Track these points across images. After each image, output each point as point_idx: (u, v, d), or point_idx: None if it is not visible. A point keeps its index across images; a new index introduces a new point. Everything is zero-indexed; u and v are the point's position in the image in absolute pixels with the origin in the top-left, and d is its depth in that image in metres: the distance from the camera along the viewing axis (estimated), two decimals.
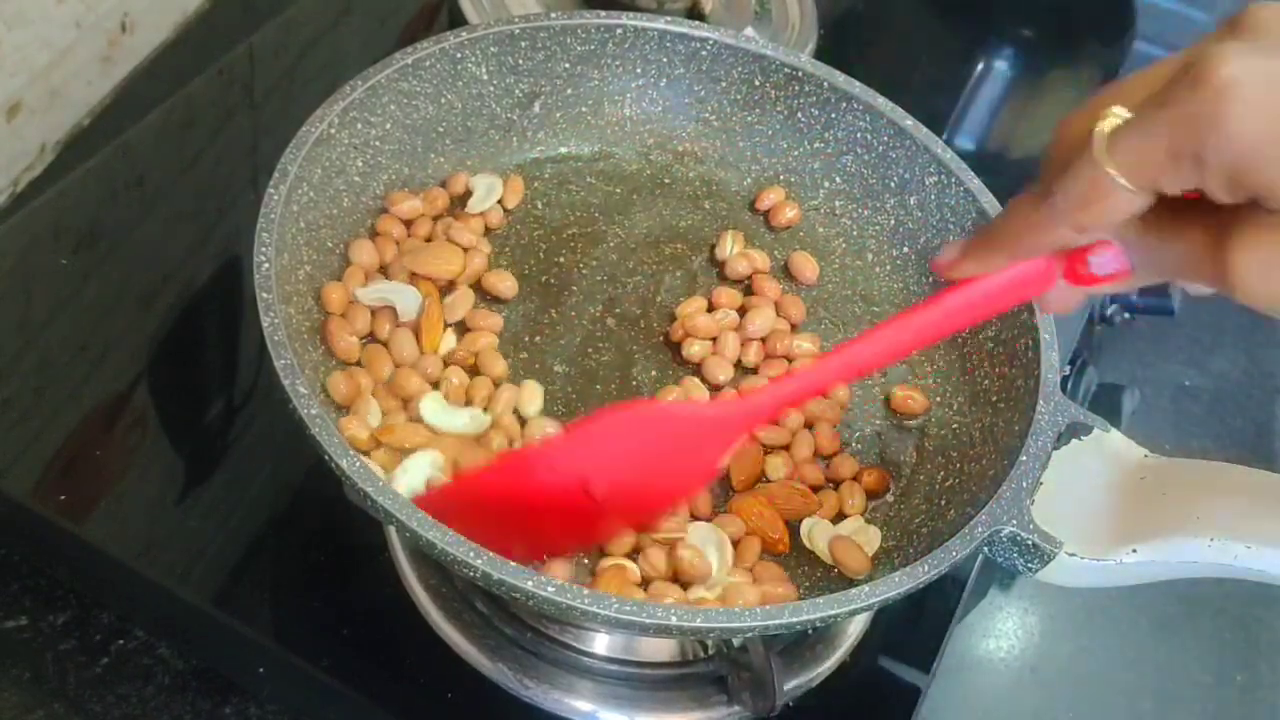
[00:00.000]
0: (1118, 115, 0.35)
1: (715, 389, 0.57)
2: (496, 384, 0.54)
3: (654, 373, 0.57)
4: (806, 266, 0.61)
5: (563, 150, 0.63)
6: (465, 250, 0.57)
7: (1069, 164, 0.36)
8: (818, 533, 0.52)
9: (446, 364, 0.54)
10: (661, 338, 0.58)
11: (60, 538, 0.55)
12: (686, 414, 0.49)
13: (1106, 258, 0.39)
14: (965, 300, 0.42)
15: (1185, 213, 0.36)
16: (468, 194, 0.59)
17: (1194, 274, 0.36)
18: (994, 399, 0.55)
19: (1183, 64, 0.33)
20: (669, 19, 0.62)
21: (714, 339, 0.58)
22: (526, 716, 0.52)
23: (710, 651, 0.54)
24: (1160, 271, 0.38)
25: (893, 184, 0.61)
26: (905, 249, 0.61)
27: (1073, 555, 0.47)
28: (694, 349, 0.57)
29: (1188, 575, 0.46)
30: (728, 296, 0.59)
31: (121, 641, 0.55)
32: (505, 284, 0.57)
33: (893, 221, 0.62)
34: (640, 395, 0.56)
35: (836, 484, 0.55)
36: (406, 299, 0.54)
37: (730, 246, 0.61)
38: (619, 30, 0.61)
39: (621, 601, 0.42)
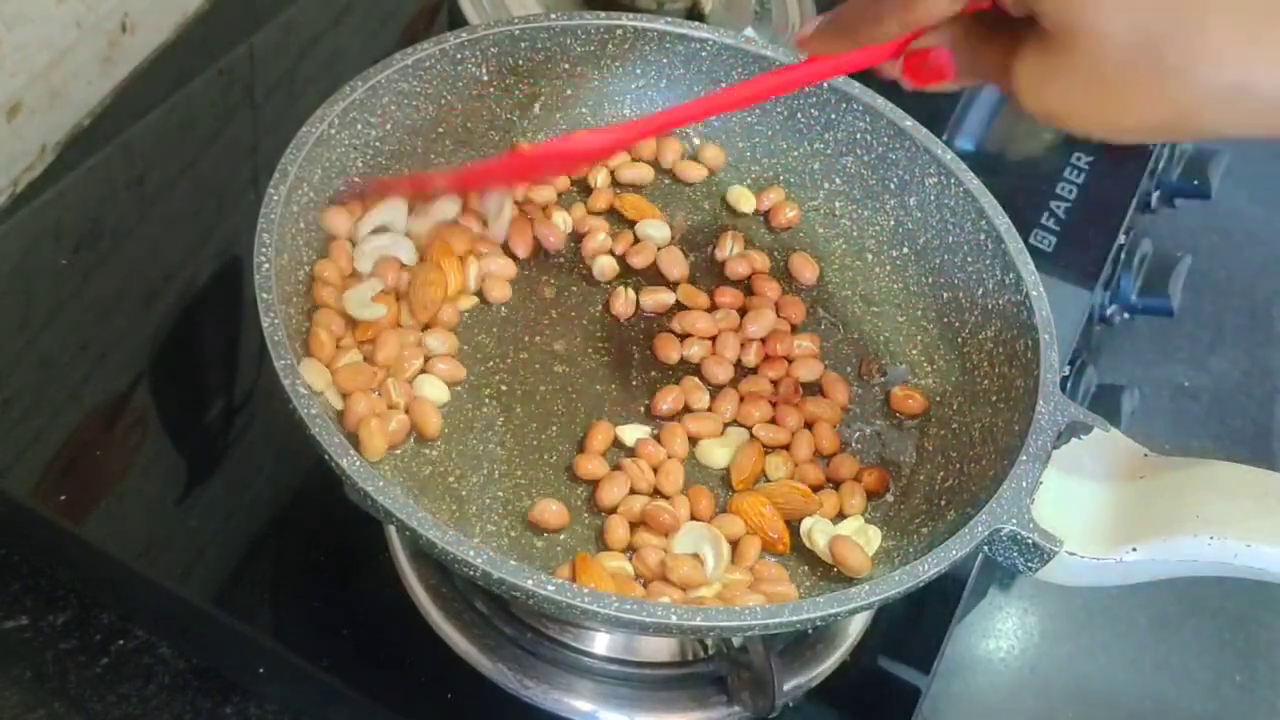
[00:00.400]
0: None
1: (715, 388, 0.57)
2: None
3: (653, 373, 0.57)
4: (806, 267, 0.61)
5: None
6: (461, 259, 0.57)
7: None
8: (818, 532, 0.52)
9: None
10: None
11: (60, 538, 0.55)
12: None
13: (938, 59, 0.44)
14: (818, 69, 0.48)
15: (996, 26, 0.40)
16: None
17: (996, 80, 0.41)
18: (994, 399, 0.55)
19: None
20: (669, 20, 0.62)
21: (713, 339, 0.58)
22: (526, 716, 0.52)
23: (710, 651, 0.54)
24: (975, 75, 0.43)
25: (893, 184, 0.61)
26: (905, 249, 0.61)
27: (1073, 555, 0.47)
28: (693, 349, 0.57)
29: (1188, 574, 0.46)
30: (730, 296, 0.59)
31: (122, 641, 0.55)
32: (499, 290, 0.57)
33: (893, 222, 0.62)
34: (639, 395, 0.56)
35: (837, 484, 0.55)
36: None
37: (730, 247, 0.61)
38: (619, 31, 0.61)
39: (621, 601, 0.42)
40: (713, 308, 0.59)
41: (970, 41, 0.42)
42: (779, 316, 0.59)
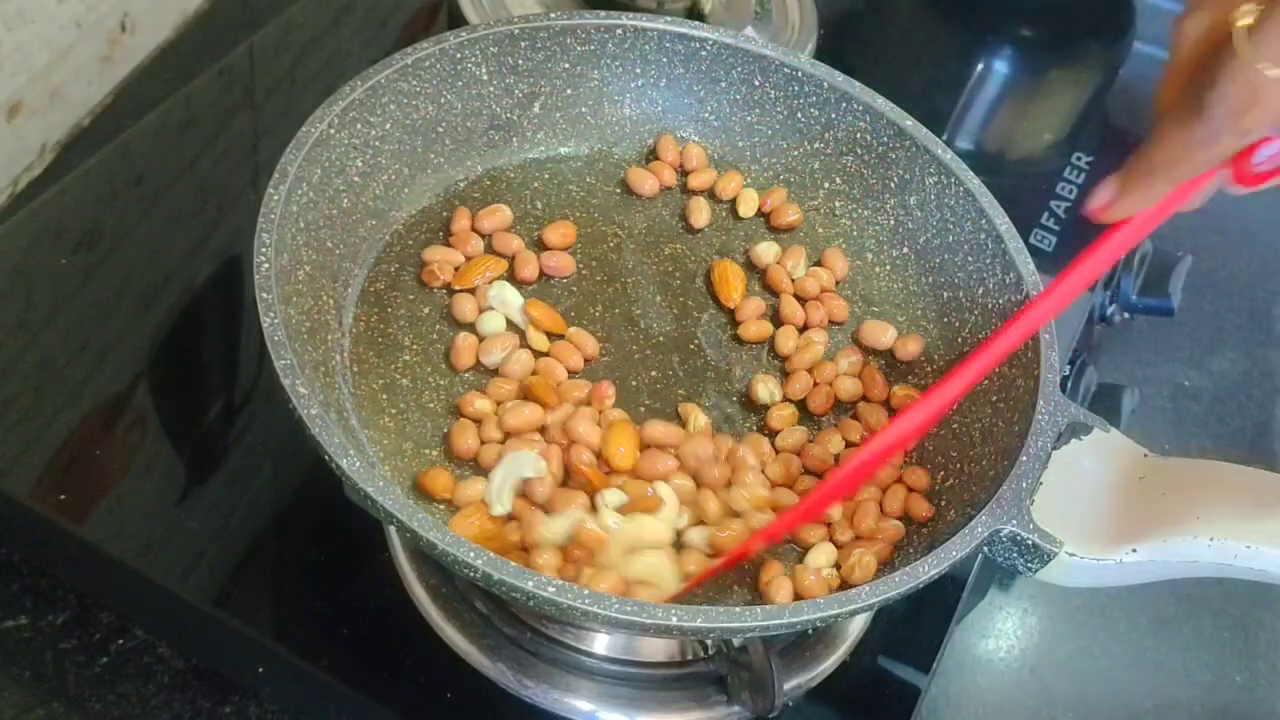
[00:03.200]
0: (1249, 11, 0.34)
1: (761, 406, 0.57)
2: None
3: (653, 373, 0.57)
4: (837, 262, 0.62)
5: (563, 150, 0.63)
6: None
7: (1210, 73, 0.35)
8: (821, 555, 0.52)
9: None
10: (659, 339, 0.58)
11: (60, 538, 0.55)
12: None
13: (1271, 152, 0.38)
14: (1120, 240, 0.42)
15: None
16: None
17: None
18: (994, 399, 0.55)
19: None
20: (669, 19, 0.62)
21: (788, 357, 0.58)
22: (526, 716, 0.52)
23: (710, 651, 0.54)
24: None
25: (893, 184, 0.61)
26: (905, 249, 0.61)
27: (1073, 555, 0.47)
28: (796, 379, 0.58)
29: (1188, 575, 0.46)
30: (814, 315, 0.60)
31: (121, 641, 0.55)
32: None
33: (893, 221, 0.62)
34: (639, 394, 0.56)
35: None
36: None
37: (803, 266, 0.61)
38: (619, 30, 0.61)
39: (622, 602, 0.42)
40: (782, 322, 0.60)
41: None
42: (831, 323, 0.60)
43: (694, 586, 0.49)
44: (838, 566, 0.51)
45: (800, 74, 0.61)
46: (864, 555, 0.51)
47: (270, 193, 0.50)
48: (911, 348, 0.59)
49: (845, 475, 0.50)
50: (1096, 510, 0.48)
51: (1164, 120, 0.38)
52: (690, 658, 0.55)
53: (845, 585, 0.51)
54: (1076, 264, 0.45)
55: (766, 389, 0.57)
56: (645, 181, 0.63)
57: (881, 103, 0.61)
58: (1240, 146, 0.38)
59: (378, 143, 0.57)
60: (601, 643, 0.54)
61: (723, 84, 0.63)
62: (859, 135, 0.62)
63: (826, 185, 0.63)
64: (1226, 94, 0.35)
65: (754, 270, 0.62)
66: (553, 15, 0.60)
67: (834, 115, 0.62)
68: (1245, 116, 0.35)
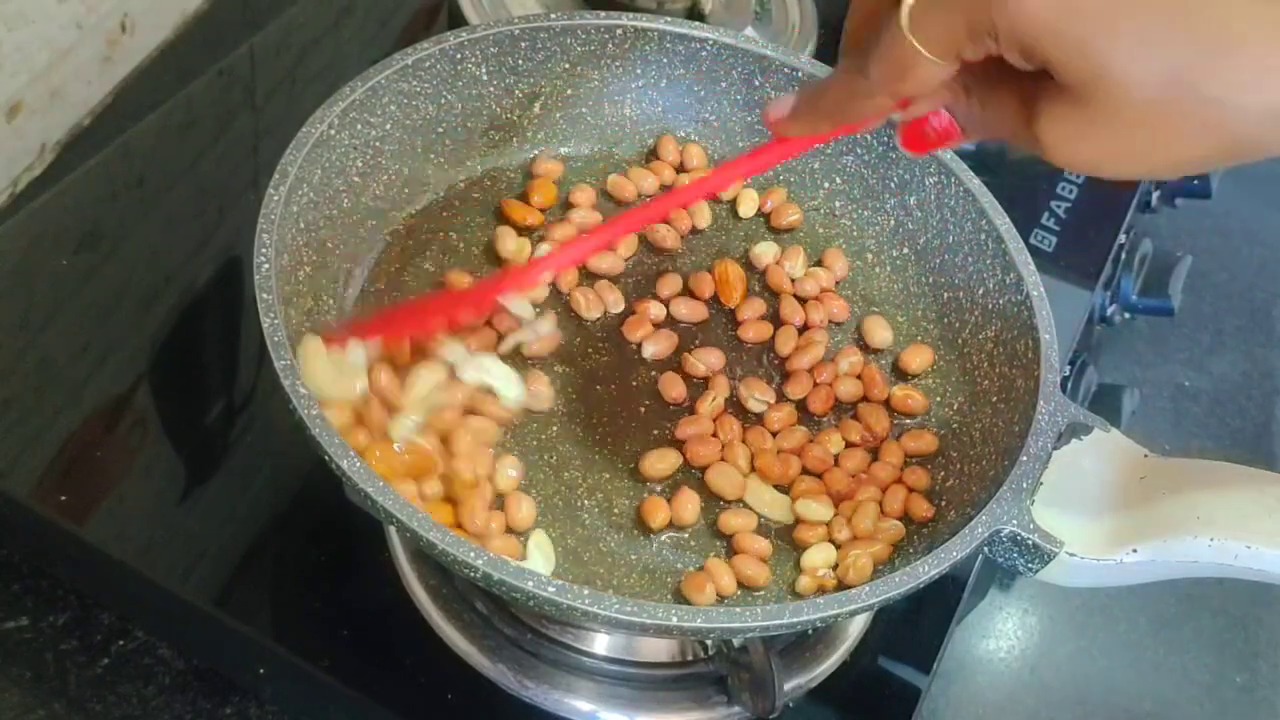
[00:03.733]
0: None
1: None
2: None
3: (653, 373, 0.57)
4: (837, 262, 0.62)
5: (563, 150, 0.63)
6: None
7: (876, 36, 0.37)
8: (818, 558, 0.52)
9: None
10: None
11: (60, 538, 0.55)
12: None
13: (939, 121, 0.41)
14: (787, 150, 0.46)
15: (1001, 78, 0.37)
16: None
17: (1013, 136, 0.38)
18: (994, 399, 0.55)
19: None
20: (669, 20, 0.62)
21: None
22: (526, 716, 0.52)
23: (710, 651, 0.54)
24: (985, 132, 0.40)
25: (893, 184, 0.61)
26: (905, 249, 0.61)
27: (1073, 555, 0.47)
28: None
29: (1188, 575, 0.46)
30: (814, 315, 0.60)
31: (122, 641, 0.55)
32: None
33: (893, 222, 0.62)
34: (638, 398, 0.56)
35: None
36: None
37: (802, 266, 0.61)
38: (619, 31, 0.61)
39: (622, 601, 0.42)
40: (783, 323, 0.60)
41: (974, 98, 0.39)
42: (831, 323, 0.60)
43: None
44: (834, 568, 0.51)
45: (800, 74, 0.61)
46: (860, 557, 0.51)
47: (270, 193, 0.50)
48: (919, 360, 0.58)
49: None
50: (1097, 510, 0.48)
51: (842, 60, 0.41)
52: (690, 658, 0.55)
53: (842, 586, 0.51)
54: (741, 160, 0.48)
55: (757, 401, 0.56)
56: (645, 181, 0.63)
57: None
58: (892, 106, 0.40)
59: (378, 143, 0.57)
60: (601, 643, 0.54)
61: (723, 84, 0.63)
62: (859, 135, 0.62)
63: (826, 185, 0.63)
64: (882, 58, 0.37)
65: (754, 270, 0.62)
66: (553, 15, 0.60)
67: None
68: (899, 83, 0.37)
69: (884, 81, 0.38)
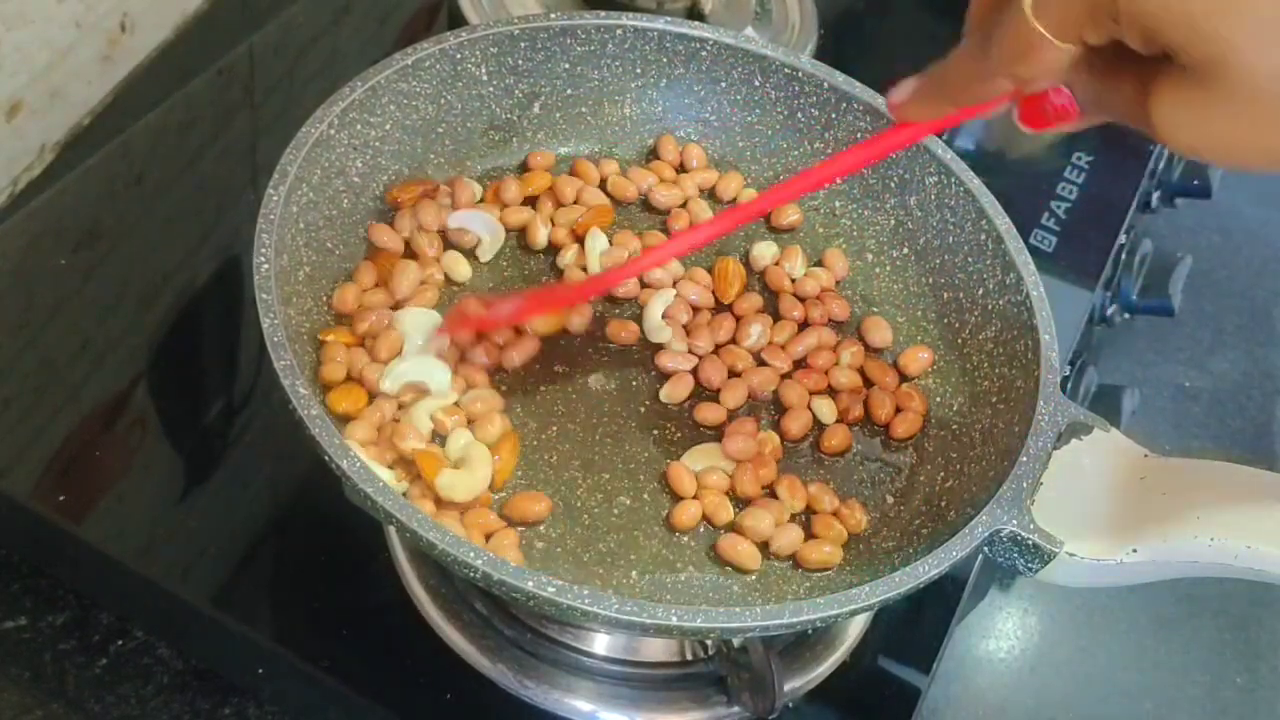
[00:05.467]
0: None
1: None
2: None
3: (653, 373, 0.57)
4: (837, 262, 0.62)
5: (563, 150, 0.63)
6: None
7: (999, 18, 0.37)
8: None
9: None
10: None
11: (60, 538, 0.55)
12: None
13: (1062, 101, 0.41)
14: (910, 135, 0.45)
15: (1122, 60, 0.37)
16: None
17: (1130, 118, 0.38)
18: (994, 399, 0.55)
19: None
20: (669, 19, 0.61)
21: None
22: (526, 716, 0.52)
23: (710, 651, 0.54)
24: (1105, 113, 0.40)
25: (893, 184, 0.61)
26: (905, 249, 0.61)
27: (1073, 555, 0.47)
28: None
29: (1188, 575, 0.46)
30: (814, 314, 0.60)
31: (121, 641, 0.55)
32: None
33: (893, 222, 0.62)
34: (638, 398, 0.56)
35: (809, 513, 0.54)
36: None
37: (801, 266, 0.61)
38: (619, 30, 0.61)
39: (622, 601, 0.42)
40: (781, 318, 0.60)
41: (1094, 79, 0.39)
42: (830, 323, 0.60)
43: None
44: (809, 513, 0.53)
45: (800, 74, 0.61)
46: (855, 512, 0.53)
47: (270, 193, 0.50)
48: (919, 362, 0.58)
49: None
50: (1097, 510, 0.48)
51: (965, 41, 0.40)
52: (690, 658, 0.55)
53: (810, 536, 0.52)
54: (859, 147, 0.48)
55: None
56: (644, 181, 0.63)
57: (881, 103, 0.60)
58: (1010, 89, 0.40)
59: (378, 143, 0.57)
60: (601, 643, 0.54)
61: (723, 84, 0.63)
62: (859, 135, 0.62)
63: (826, 185, 0.63)
64: (1004, 40, 0.37)
65: (753, 270, 0.61)
66: (553, 15, 0.60)
67: (834, 115, 0.62)
68: (1020, 65, 0.37)
69: (1005, 63, 0.37)
